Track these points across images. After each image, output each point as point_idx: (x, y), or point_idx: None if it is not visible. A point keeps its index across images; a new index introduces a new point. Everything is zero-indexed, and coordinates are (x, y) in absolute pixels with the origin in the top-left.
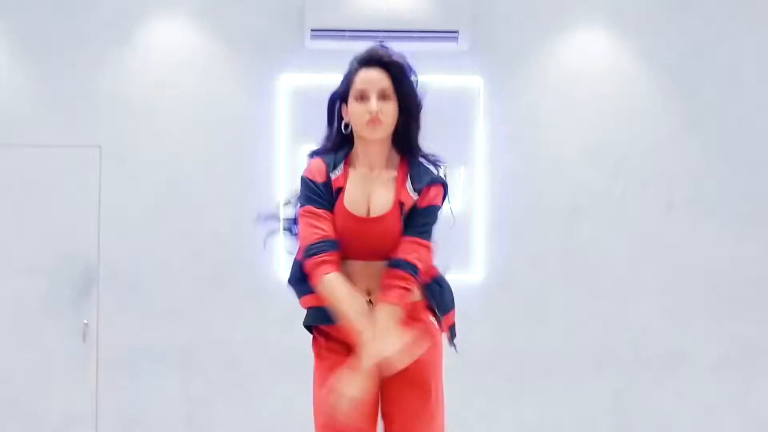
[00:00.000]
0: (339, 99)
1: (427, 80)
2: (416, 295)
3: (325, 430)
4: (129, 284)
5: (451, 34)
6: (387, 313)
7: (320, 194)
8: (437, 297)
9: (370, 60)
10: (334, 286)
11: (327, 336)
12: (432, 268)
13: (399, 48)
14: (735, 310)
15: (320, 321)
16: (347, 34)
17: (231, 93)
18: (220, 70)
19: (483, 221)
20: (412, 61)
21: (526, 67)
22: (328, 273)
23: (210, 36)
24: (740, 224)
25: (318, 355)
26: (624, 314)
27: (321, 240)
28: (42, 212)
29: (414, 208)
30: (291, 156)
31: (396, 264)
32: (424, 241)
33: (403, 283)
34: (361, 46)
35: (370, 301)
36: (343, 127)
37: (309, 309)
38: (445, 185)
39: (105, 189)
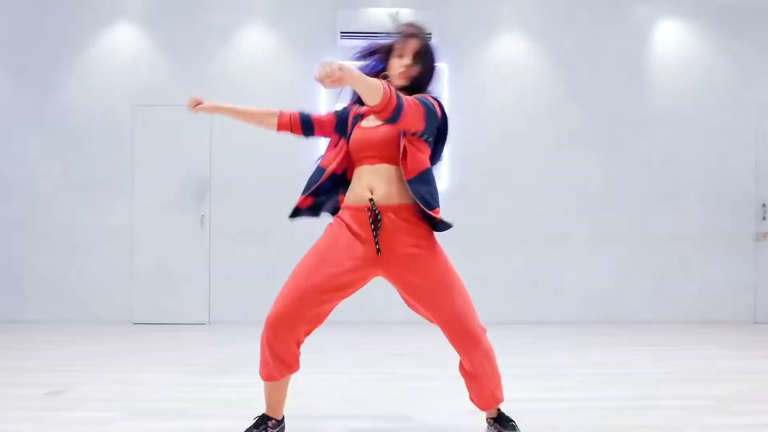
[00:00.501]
0: (377, 51)
1: None
2: (408, 198)
3: (286, 285)
4: (229, 191)
5: (427, 36)
6: (371, 80)
7: (340, 112)
8: (424, 195)
9: (410, 31)
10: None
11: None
12: (422, 163)
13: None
14: (595, 207)
15: (308, 211)
16: (363, 35)
17: (290, 74)
18: (283, 59)
19: (447, 153)
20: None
21: (473, 58)
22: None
23: (278, 39)
24: (597, 155)
25: (327, 228)
26: (533, 210)
27: (302, 112)
28: (175, 147)
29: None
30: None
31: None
32: (418, 103)
33: (391, 90)
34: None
35: (371, 200)
36: (381, 77)
37: (299, 208)
38: (433, 102)
39: (214, 134)
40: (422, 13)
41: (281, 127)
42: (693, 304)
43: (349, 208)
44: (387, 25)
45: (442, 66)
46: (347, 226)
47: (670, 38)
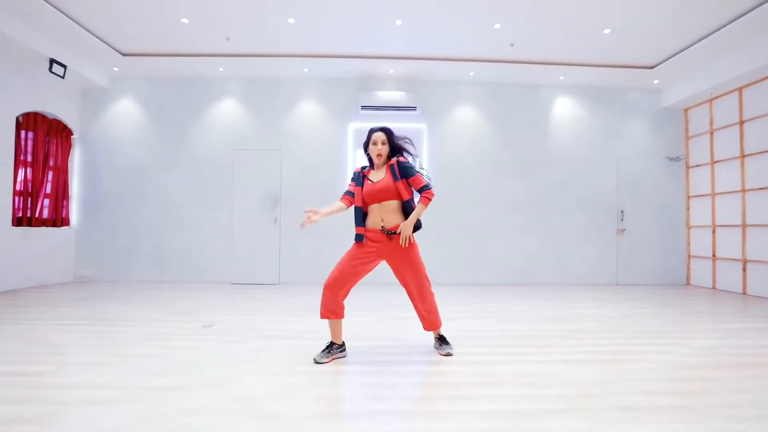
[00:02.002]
0: (367, 143)
1: (405, 127)
2: (401, 220)
3: (335, 270)
4: (292, 202)
5: (413, 108)
6: (419, 208)
7: (355, 176)
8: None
9: (378, 129)
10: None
11: (361, 243)
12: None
13: (393, 114)
14: (516, 212)
15: (359, 240)
16: (374, 108)
17: (332, 130)
18: (324, 121)
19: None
20: (395, 131)
21: (442, 120)
22: (340, 200)
23: (322, 108)
24: (518, 180)
25: (356, 244)
26: (477, 214)
27: (347, 191)
28: (258, 174)
29: (408, 183)
30: (354, 154)
31: (423, 189)
32: (429, 192)
33: (428, 195)
34: (379, 113)
35: (383, 227)
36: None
37: (357, 234)
38: (404, 164)
39: (283, 166)
40: (409, 93)
41: (349, 205)
42: (577, 273)
43: (368, 230)
44: (391, 101)
45: (420, 126)
46: (367, 240)
47: (563, 108)
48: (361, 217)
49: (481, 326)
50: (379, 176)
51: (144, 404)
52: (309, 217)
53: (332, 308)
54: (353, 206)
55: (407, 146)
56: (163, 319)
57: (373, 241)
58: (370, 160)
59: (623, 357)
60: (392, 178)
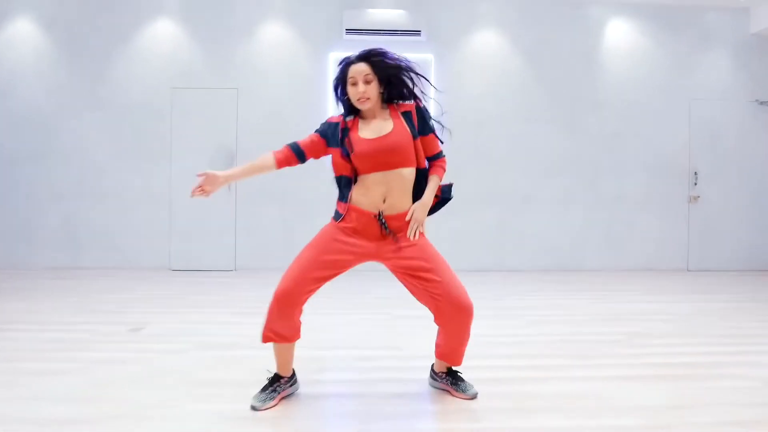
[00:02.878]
0: (339, 83)
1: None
2: (409, 203)
3: (293, 269)
4: (252, 159)
5: (417, 32)
6: (434, 182)
7: (327, 129)
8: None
9: (357, 58)
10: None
11: (346, 226)
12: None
13: (389, 39)
14: (555, 174)
15: (338, 218)
16: (363, 32)
17: (306, 62)
18: (297, 51)
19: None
20: (387, 48)
21: (454, 50)
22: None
23: (293, 33)
24: (557, 130)
25: (334, 227)
26: (506, 176)
27: (292, 143)
28: (206, 123)
29: (423, 138)
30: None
31: (436, 157)
32: (443, 160)
33: (443, 165)
34: (371, 38)
35: (381, 216)
36: (345, 102)
37: (336, 211)
38: (426, 112)
39: (239, 110)
40: (411, 13)
41: (279, 165)
42: (637, 255)
43: (357, 210)
44: (387, 23)
45: (426, 57)
46: (350, 227)
47: (619, 34)
48: (347, 188)
49: (508, 329)
50: (380, 128)
51: None
52: (201, 186)
53: (283, 328)
54: (335, 176)
55: (412, 74)
56: (72, 321)
57: (359, 231)
58: (349, 107)
59: (704, 371)
60: (409, 132)
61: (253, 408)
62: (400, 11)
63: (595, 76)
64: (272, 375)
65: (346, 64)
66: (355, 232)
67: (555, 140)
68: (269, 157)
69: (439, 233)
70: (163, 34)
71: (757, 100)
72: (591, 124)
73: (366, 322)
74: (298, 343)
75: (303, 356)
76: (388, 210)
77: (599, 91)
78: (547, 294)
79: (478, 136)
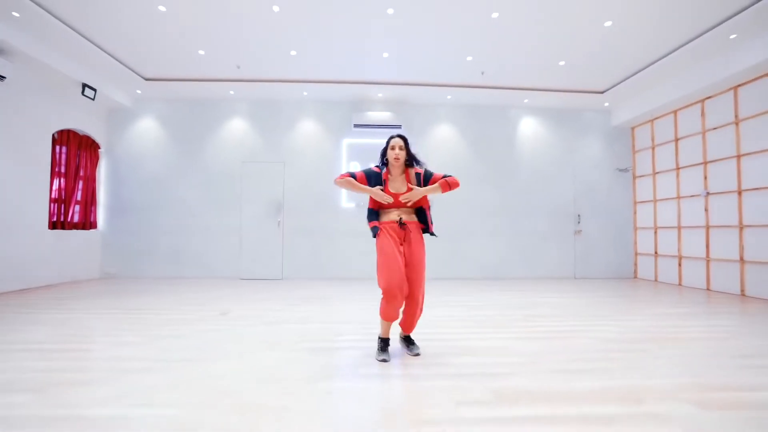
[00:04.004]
0: (384, 152)
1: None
2: (414, 219)
3: (385, 270)
4: (293, 208)
5: (398, 126)
6: (435, 186)
7: (371, 174)
8: (426, 221)
9: (396, 136)
10: (348, 181)
11: (382, 232)
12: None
13: (380, 131)
14: (490, 216)
15: (376, 229)
16: (365, 126)
17: (329, 145)
18: (325, 138)
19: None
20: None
21: (423, 138)
22: (347, 177)
23: (320, 126)
24: (491, 188)
25: (379, 238)
26: (457, 218)
27: (351, 173)
28: (263, 184)
29: (425, 179)
30: (347, 166)
31: (445, 176)
32: (453, 178)
33: (449, 179)
34: (369, 130)
35: (401, 220)
36: (385, 162)
37: (371, 228)
38: (429, 173)
39: (285, 177)
40: (395, 113)
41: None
42: (541, 268)
43: (385, 223)
44: (379, 120)
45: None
46: (389, 233)
47: (528, 126)
48: (374, 215)
49: (455, 312)
50: (399, 184)
51: (175, 372)
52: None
53: (391, 312)
54: (368, 208)
55: (417, 155)
56: (184, 308)
57: (390, 233)
58: (385, 163)
59: (565, 335)
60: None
61: (384, 360)
62: (388, 113)
63: (513, 152)
64: (381, 339)
65: (391, 137)
66: (388, 233)
67: (488, 194)
68: (355, 181)
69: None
70: (236, 127)
71: (617, 168)
72: (511, 183)
73: (363, 308)
74: (328, 318)
75: (329, 327)
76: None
77: (516, 162)
78: (481, 293)
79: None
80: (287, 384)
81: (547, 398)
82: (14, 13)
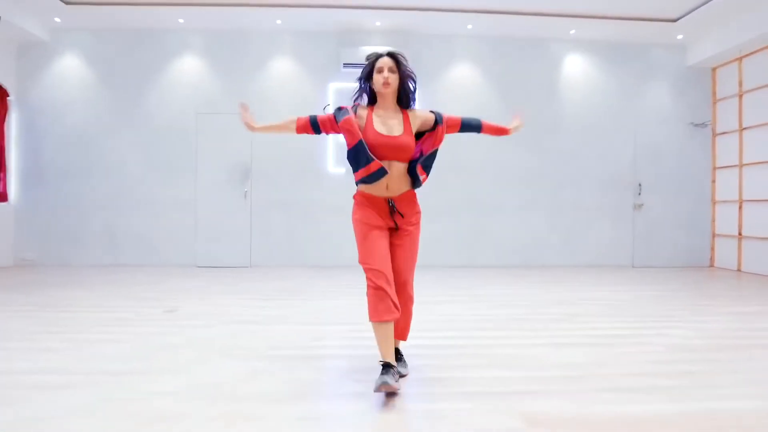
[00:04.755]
0: (366, 75)
1: None
2: (408, 187)
3: (365, 250)
4: (264, 174)
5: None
6: (487, 122)
7: (340, 114)
8: (418, 179)
9: (386, 53)
10: (271, 126)
11: (363, 196)
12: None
13: None
14: (522, 185)
15: (368, 180)
16: (357, 65)
17: (310, 91)
18: (301, 81)
19: None
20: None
21: (435, 81)
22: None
23: (298, 67)
24: (523, 148)
25: (357, 206)
26: (479, 187)
27: (312, 116)
28: (225, 143)
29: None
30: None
31: (466, 120)
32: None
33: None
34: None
35: (392, 206)
36: (368, 89)
37: (362, 178)
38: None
39: (255, 138)
40: (398, 49)
41: (299, 130)
42: (589, 254)
43: (370, 197)
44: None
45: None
46: (371, 209)
47: (575, 67)
48: (359, 156)
49: (477, 310)
50: (392, 127)
51: (103, 388)
52: (246, 115)
53: (387, 305)
54: (349, 149)
55: (411, 81)
56: (119, 305)
57: (373, 208)
58: (370, 93)
59: (621, 341)
60: (413, 137)
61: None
62: (389, 48)
63: (554, 102)
64: (384, 364)
65: (376, 57)
66: (370, 210)
67: (521, 157)
68: (292, 120)
69: (422, 235)
70: (189, 68)
71: (692, 123)
72: (551, 143)
73: (352, 304)
74: (306, 319)
75: (306, 330)
76: (393, 194)
77: (558, 116)
78: (510, 285)
79: (456, 153)
80: (247, 406)
81: (594, 428)
82: None
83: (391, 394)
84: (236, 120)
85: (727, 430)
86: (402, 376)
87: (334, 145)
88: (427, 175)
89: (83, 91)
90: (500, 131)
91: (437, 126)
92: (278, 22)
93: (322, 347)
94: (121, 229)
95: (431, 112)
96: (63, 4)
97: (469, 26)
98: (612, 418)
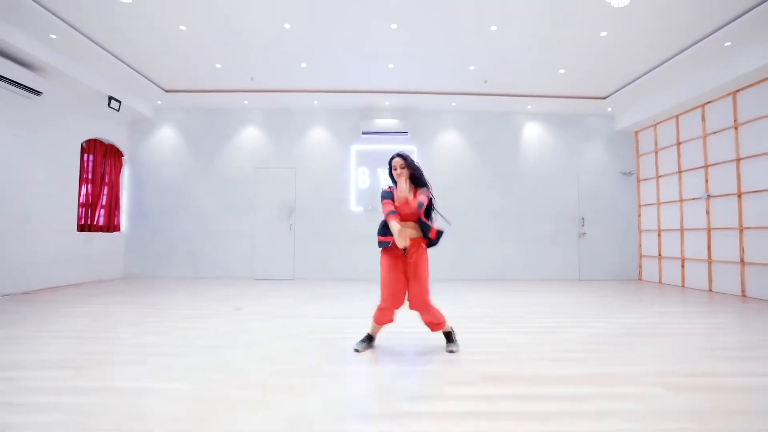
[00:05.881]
0: (390, 173)
1: (398, 148)
2: (419, 234)
3: (385, 289)
4: (304, 212)
5: (405, 133)
6: (413, 227)
7: (390, 195)
8: (424, 231)
9: (396, 155)
10: (395, 222)
11: (387, 249)
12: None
13: (388, 137)
14: (495, 221)
15: (384, 245)
16: (372, 133)
17: (337, 152)
18: (331, 144)
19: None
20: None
21: (430, 144)
22: (394, 218)
23: (329, 133)
24: (496, 193)
25: (383, 254)
26: (462, 223)
27: (392, 210)
28: (276, 189)
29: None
30: (356, 171)
31: (425, 224)
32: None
33: (434, 229)
34: (376, 137)
35: (405, 249)
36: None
37: (380, 241)
38: (431, 207)
39: (297, 182)
40: (402, 121)
41: (394, 217)
42: (546, 271)
43: (393, 249)
44: (386, 127)
45: (411, 148)
46: (393, 252)
47: (532, 132)
48: (386, 228)
49: (463, 310)
50: (405, 192)
51: (196, 357)
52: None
53: (386, 319)
54: (382, 221)
55: (419, 171)
56: (200, 305)
57: (394, 252)
58: (394, 181)
59: (559, 330)
60: (417, 206)
61: (356, 350)
62: (395, 120)
63: (518, 158)
64: (368, 335)
65: (391, 159)
66: (392, 252)
67: (494, 198)
68: (397, 218)
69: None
70: (250, 136)
71: (621, 172)
72: (516, 188)
73: (366, 306)
74: (332, 312)
75: (335, 321)
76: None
77: (521, 167)
78: (487, 293)
79: (446, 196)
80: (294, 367)
81: (527, 381)
82: (51, 35)
83: (356, 351)
84: (284, 173)
85: (617, 386)
86: (450, 351)
87: (356, 190)
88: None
89: (175, 152)
90: (424, 234)
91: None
92: (315, 102)
93: (346, 333)
94: (199, 252)
95: (426, 195)
96: (163, 91)
97: (453, 104)
98: (542, 376)
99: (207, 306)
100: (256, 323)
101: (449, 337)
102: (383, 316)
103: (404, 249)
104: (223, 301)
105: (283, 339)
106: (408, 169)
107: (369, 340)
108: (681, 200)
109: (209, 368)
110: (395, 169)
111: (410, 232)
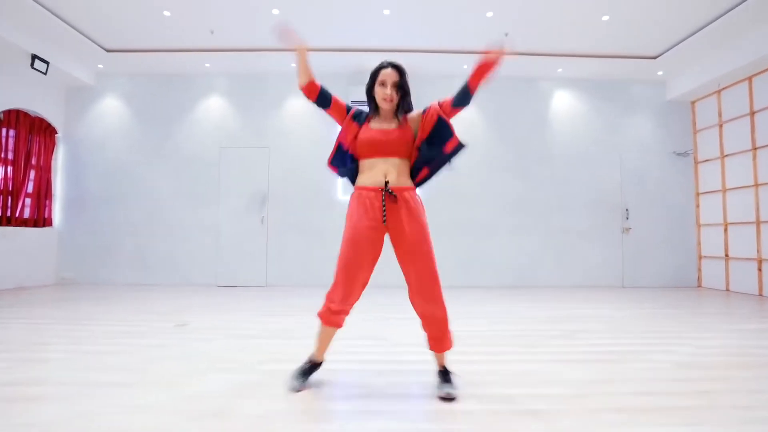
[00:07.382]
0: (371, 87)
1: None
2: (408, 183)
3: (343, 273)
4: (279, 201)
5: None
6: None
7: (355, 113)
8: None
9: (389, 63)
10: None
11: (358, 204)
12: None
13: None
14: (514, 210)
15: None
16: (364, 102)
17: (321, 127)
18: (316, 118)
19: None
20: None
21: None
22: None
23: (314, 106)
24: (515, 176)
25: (350, 206)
26: (476, 212)
27: (329, 91)
28: (245, 173)
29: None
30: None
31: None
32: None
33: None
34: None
35: (387, 182)
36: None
37: (338, 172)
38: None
39: (270, 165)
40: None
41: (308, 87)
42: (580, 274)
43: (365, 188)
44: None
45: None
46: (366, 207)
47: (562, 102)
48: (342, 160)
49: (475, 327)
50: (388, 125)
51: (84, 401)
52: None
53: (337, 313)
54: (338, 144)
55: (410, 93)
56: (135, 319)
57: (368, 202)
58: (373, 105)
59: (623, 357)
60: (412, 133)
61: (295, 389)
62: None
63: (544, 134)
64: (309, 361)
65: (381, 67)
66: (364, 207)
67: (514, 184)
68: (314, 80)
69: None
70: (213, 107)
71: (674, 152)
72: (542, 171)
73: (362, 320)
74: (302, 330)
75: (304, 344)
76: (391, 184)
77: (548, 146)
78: (505, 303)
79: (455, 182)
80: (232, 424)
81: None
82: None
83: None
84: (255, 153)
85: None
86: (447, 395)
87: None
88: (429, 170)
89: (122, 127)
90: (483, 69)
91: (426, 111)
92: (293, 65)
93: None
94: (150, 251)
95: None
96: (104, 51)
97: (465, 66)
98: None
99: (143, 320)
100: (198, 345)
101: (445, 373)
102: (334, 315)
103: (386, 186)
104: (169, 313)
105: (222, 373)
106: (400, 94)
107: (311, 368)
108: (756, 185)
109: (93, 426)
110: (383, 86)
111: (383, 167)
